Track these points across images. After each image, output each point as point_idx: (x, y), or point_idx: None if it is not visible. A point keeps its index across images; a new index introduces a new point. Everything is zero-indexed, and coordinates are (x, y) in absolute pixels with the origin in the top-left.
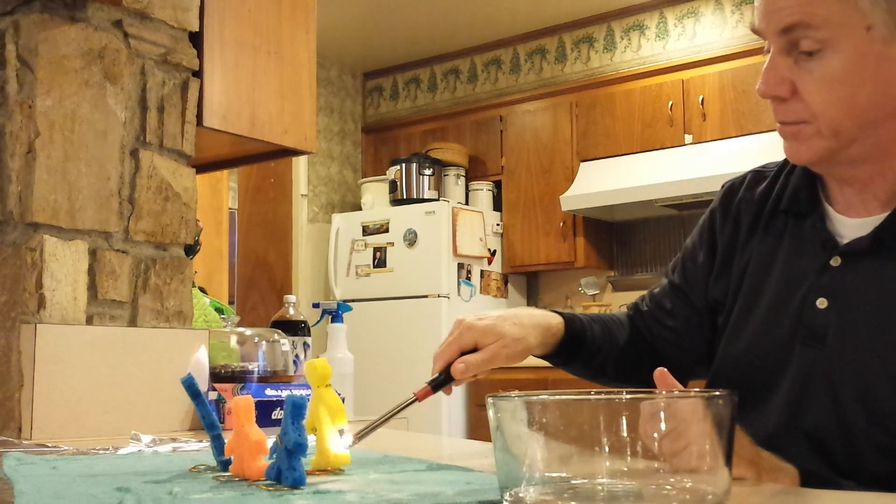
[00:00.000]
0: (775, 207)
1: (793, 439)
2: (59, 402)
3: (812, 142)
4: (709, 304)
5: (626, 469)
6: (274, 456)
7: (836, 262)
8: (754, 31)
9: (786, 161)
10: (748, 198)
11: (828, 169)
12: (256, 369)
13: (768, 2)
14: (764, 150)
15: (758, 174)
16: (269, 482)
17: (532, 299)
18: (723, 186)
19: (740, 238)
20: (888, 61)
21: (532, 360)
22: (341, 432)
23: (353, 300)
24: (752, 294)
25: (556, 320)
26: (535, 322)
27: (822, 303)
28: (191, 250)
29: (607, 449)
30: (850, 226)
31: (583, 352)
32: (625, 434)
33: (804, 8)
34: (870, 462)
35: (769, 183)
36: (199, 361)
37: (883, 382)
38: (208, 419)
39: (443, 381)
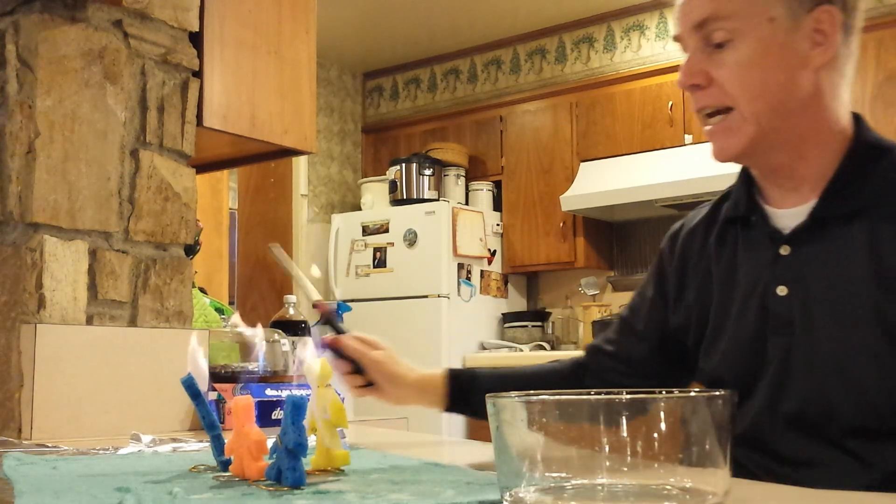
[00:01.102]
0: (724, 221)
1: (776, 421)
2: (59, 402)
3: (740, 131)
4: (658, 329)
5: (626, 469)
6: (274, 456)
7: (785, 250)
8: (675, 38)
9: (721, 193)
10: (691, 229)
11: (754, 161)
12: (256, 369)
13: (683, 6)
14: None
15: (697, 209)
16: (269, 482)
17: (532, 299)
18: (667, 233)
19: (690, 265)
20: (791, 50)
21: (533, 362)
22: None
23: (353, 300)
24: (723, 304)
25: (440, 370)
26: (419, 369)
27: (781, 290)
28: (191, 250)
29: (607, 449)
30: (790, 216)
31: (475, 396)
32: (625, 434)
33: (713, 3)
34: (853, 434)
35: (709, 210)
36: (195, 356)
37: (855, 352)
38: (208, 419)
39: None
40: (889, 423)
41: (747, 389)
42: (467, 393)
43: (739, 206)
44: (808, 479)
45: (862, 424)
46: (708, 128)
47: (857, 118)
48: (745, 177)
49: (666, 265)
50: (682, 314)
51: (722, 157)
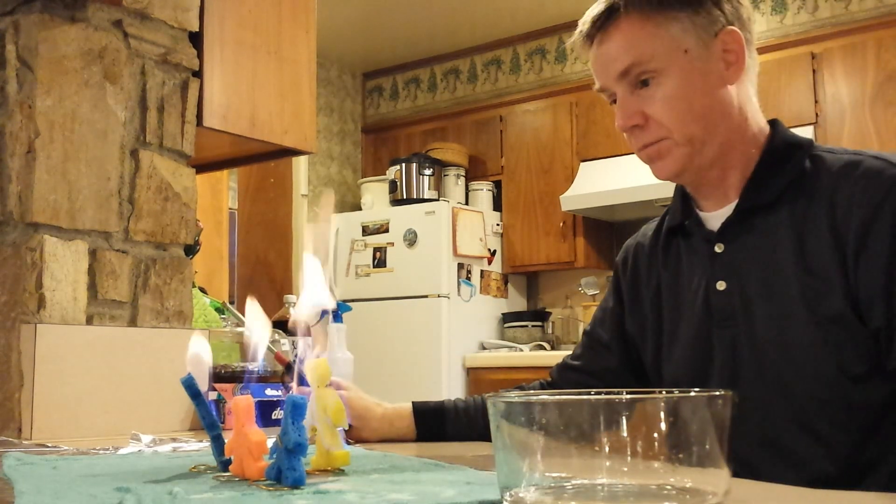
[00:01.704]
0: (666, 232)
1: (736, 413)
2: (59, 402)
3: (673, 153)
4: (622, 338)
5: (626, 469)
6: (274, 456)
7: (720, 248)
8: (599, 90)
9: (666, 209)
10: (641, 242)
11: (691, 177)
12: (256, 369)
13: (601, 60)
14: None
15: (647, 224)
16: (269, 482)
17: (532, 299)
18: (622, 247)
19: (641, 275)
20: (710, 73)
21: (533, 362)
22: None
23: (353, 300)
24: (674, 311)
25: (407, 404)
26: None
27: (721, 285)
28: (191, 250)
29: (607, 449)
30: (719, 217)
31: (448, 419)
32: (625, 434)
33: (631, 51)
34: (810, 410)
35: (658, 223)
36: (199, 357)
37: (791, 332)
38: (208, 419)
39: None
40: (839, 393)
41: (702, 385)
42: (438, 423)
43: (676, 216)
44: (776, 467)
45: (815, 398)
46: (643, 154)
47: (773, 123)
48: (681, 189)
49: (621, 277)
50: (638, 322)
51: (662, 176)
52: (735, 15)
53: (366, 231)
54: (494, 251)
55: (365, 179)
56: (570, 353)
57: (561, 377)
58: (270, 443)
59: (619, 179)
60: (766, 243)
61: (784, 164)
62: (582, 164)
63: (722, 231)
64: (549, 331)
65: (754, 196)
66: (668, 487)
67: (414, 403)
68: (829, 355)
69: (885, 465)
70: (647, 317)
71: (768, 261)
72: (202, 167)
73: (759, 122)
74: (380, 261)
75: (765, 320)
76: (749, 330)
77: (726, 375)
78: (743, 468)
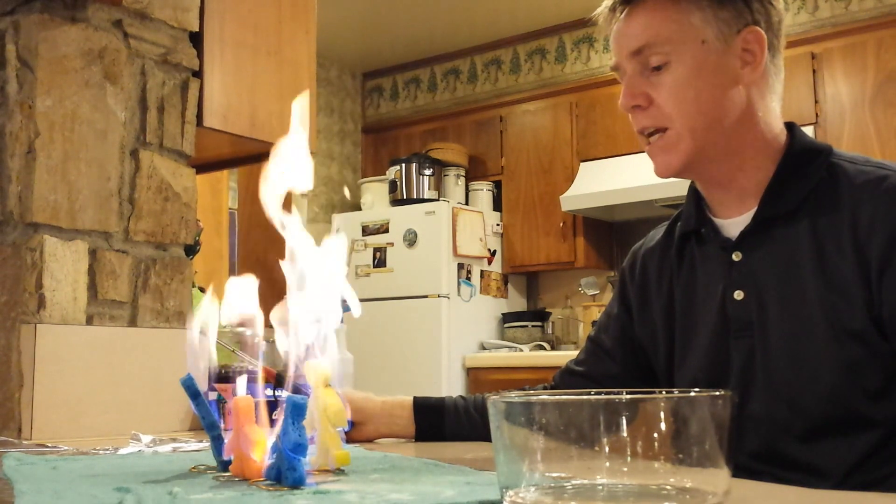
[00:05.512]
0: (679, 238)
1: (747, 424)
2: (59, 402)
3: (678, 147)
4: (626, 345)
5: (626, 469)
6: (274, 456)
7: (737, 256)
8: (614, 68)
9: (675, 213)
10: (651, 247)
11: (695, 174)
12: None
13: (619, 35)
14: None
15: (656, 229)
16: (269, 482)
17: (532, 299)
18: (629, 252)
19: (651, 281)
20: (723, 69)
21: (533, 362)
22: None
23: None
24: (687, 317)
25: (406, 397)
26: (380, 397)
27: (738, 294)
28: (191, 250)
29: (607, 449)
30: (737, 224)
31: (448, 417)
32: (625, 434)
33: (648, 31)
34: (820, 427)
35: (667, 227)
36: (193, 344)
37: (808, 345)
38: (208, 419)
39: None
40: (852, 410)
41: None
42: (437, 419)
43: (690, 221)
44: (778, 480)
45: (826, 416)
46: (648, 147)
47: (790, 127)
48: (694, 193)
49: (627, 283)
50: (648, 328)
51: (664, 173)
52: (763, 15)
53: (366, 231)
54: (494, 251)
55: (365, 179)
56: (572, 356)
57: (563, 382)
58: (270, 443)
59: (619, 179)
60: (786, 254)
61: (803, 170)
62: (582, 164)
63: (740, 239)
64: (549, 331)
65: (774, 205)
66: (668, 488)
67: (415, 398)
68: (846, 370)
69: (888, 484)
70: (657, 323)
71: (787, 272)
72: (202, 167)
73: (775, 128)
74: (380, 261)
75: (780, 332)
76: (764, 342)
77: (740, 387)
78: (749, 475)
